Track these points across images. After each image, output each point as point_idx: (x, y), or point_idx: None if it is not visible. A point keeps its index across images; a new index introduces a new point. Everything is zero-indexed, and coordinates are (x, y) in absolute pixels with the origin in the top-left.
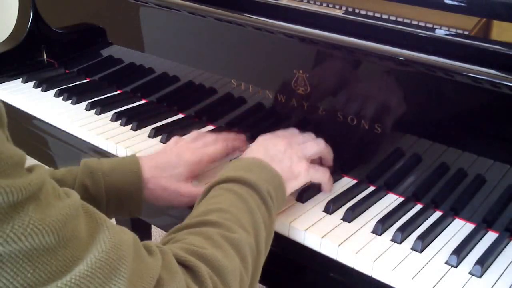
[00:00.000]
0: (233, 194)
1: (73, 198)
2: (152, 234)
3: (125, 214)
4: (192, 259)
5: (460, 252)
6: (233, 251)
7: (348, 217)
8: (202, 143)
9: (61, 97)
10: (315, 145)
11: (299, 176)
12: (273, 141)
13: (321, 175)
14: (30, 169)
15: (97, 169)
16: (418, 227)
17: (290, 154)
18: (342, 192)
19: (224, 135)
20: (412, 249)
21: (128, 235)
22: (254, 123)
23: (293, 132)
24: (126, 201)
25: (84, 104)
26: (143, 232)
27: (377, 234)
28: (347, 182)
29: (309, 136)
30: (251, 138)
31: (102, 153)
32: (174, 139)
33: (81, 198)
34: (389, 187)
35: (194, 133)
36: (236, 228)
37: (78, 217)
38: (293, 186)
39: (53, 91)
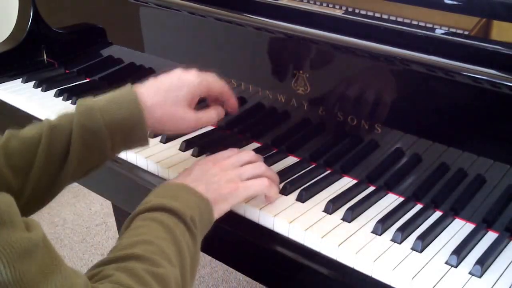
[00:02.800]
0: (157, 223)
1: (33, 233)
2: None
3: (132, 146)
4: None
5: (460, 252)
6: (159, 287)
7: (348, 217)
8: (203, 73)
9: (61, 97)
10: (252, 169)
11: (229, 196)
12: (203, 167)
13: (256, 189)
14: None
15: (94, 107)
16: (418, 227)
17: (219, 178)
18: (342, 192)
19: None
20: (412, 249)
21: (80, 279)
22: (254, 123)
23: (224, 154)
24: (130, 132)
25: None
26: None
27: (377, 234)
28: (347, 182)
29: (245, 156)
30: (251, 138)
31: None
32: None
33: (82, 138)
34: (389, 187)
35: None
36: (162, 261)
37: (32, 255)
38: (223, 206)
39: (53, 91)
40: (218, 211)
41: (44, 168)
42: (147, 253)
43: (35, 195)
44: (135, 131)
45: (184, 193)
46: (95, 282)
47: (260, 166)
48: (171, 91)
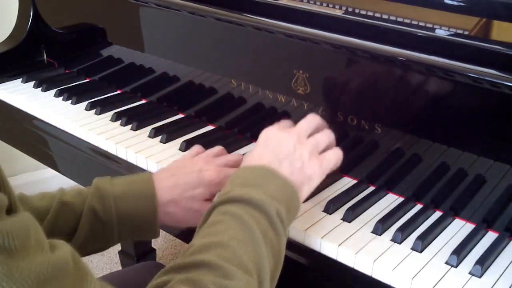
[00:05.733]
0: (236, 220)
1: (58, 254)
2: None
3: (139, 238)
4: None
5: (460, 252)
6: None
7: (348, 217)
8: (224, 161)
9: (61, 97)
10: (324, 136)
11: (313, 176)
12: (279, 138)
13: (336, 163)
14: (14, 215)
15: (108, 193)
16: (418, 227)
17: (300, 153)
18: (342, 192)
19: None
20: (412, 249)
21: None
22: (254, 123)
23: (291, 123)
24: (140, 226)
25: (84, 104)
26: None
27: (377, 234)
28: (347, 182)
29: (313, 121)
30: (251, 138)
31: (102, 153)
32: (196, 148)
33: (91, 223)
34: (389, 187)
35: (218, 148)
36: (235, 271)
37: (58, 278)
38: (307, 190)
39: (53, 91)
40: (304, 195)
41: None
42: (220, 261)
43: None
44: (145, 226)
45: (267, 180)
46: None
47: (330, 133)
48: (188, 189)
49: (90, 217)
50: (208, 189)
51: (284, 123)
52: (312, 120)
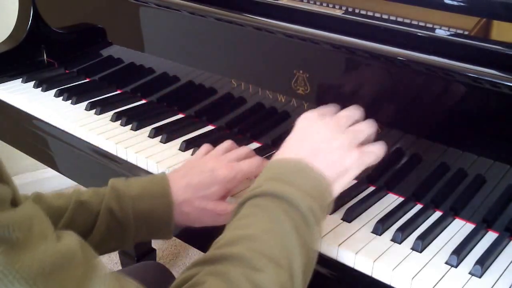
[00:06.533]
0: (267, 214)
1: (63, 243)
2: None
3: (155, 238)
4: None
5: (460, 252)
6: None
7: (348, 217)
8: (235, 156)
9: (61, 97)
10: (366, 127)
11: (350, 170)
12: (317, 127)
13: (377, 156)
14: (19, 204)
15: (125, 193)
16: (418, 227)
17: (339, 143)
18: (342, 192)
19: (251, 152)
20: (412, 249)
21: None
22: (254, 123)
23: (331, 109)
24: (156, 226)
25: (84, 104)
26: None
27: (377, 234)
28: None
29: (355, 112)
30: (251, 138)
31: (102, 153)
32: (205, 147)
33: (108, 222)
34: (389, 187)
35: (227, 143)
36: (266, 263)
37: (64, 268)
38: (342, 183)
39: (53, 91)
40: (338, 188)
41: None
42: (249, 253)
43: None
44: (162, 225)
45: (301, 175)
46: (187, 287)
47: (372, 124)
48: (201, 188)
49: (107, 217)
50: (222, 187)
51: (325, 109)
52: (354, 111)
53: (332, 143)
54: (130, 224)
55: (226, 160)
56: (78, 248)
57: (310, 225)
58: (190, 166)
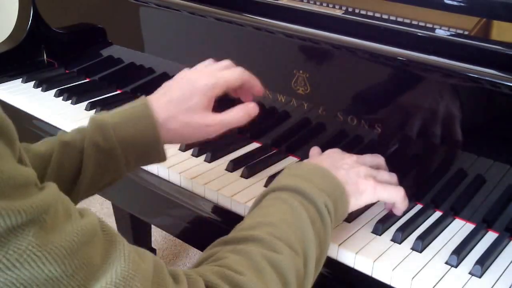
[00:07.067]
0: (286, 205)
1: (86, 220)
2: (152, 234)
3: (148, 163)
4: (226, 287)
5: (460, 252)
6: (275, 274)
7: (348, 217)
8: (217, 67)
9: (61, 97)
10: (385, 173)
11: (365, 192)
12: (340, 154)
13: (391, 194)
14: (42, 187)
15: (106, 123)
16: (418, 227)
17: (358, 170)
18: None
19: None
20: (412, 249)
21: (147, 264)
22: (254, 123)
23: (364, 157)
24: (145, 148)
25: (84, 104)
26: (143, 232)
27: (377, 234)
28: None
29: (376, 158)
30: (251, 138)
31: None
32: (184, 69)
33: (95, 156)
34: None
35: (208, 60)
36: (283, 247)
37: (89, 244)
38: (356, 202)
39: (53, 91)
40: (352, 205)
41: None
42: (268, 236)
43: None
44: (150, 147)
45: (319, 176)
46: (209, 263)
47: (394, 177)
48: (183, 100)
49: (93, 150)
50: (204, 97)
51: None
52: (376, 157)
53: (351, 168)
54: (117, 152)
55: (207, 70)
56: (97, 223)
57: (325, 220)
58: (168, 84)
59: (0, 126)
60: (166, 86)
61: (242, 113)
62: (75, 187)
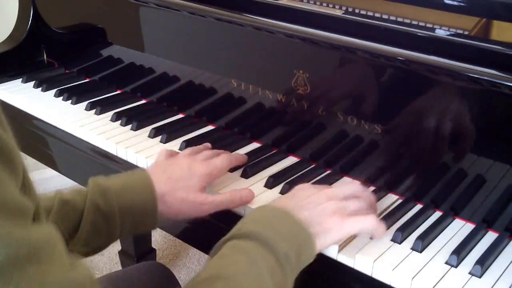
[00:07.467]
0: (243, 255)
1: (78, 272)
2: (152, 234)
3: (140, 231)
4: None
5: (460, 252)
6: None
7: None
8: (203, 156)
9: (61, 97)
10: (357, 202)
11: (331, 231)
12: (308, 192)
13: (362, 225)
14: (39, 224)
15: (109, 188)
16: (418, 227)
17: (323, 207)
18: None
19: (217, 151)
20: (412, 249)
21: None
22: (254, 123)
23: (326, 187)
24: (141, 218)
25: (84, 104)
26: (143, 233)
27: None
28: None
29: (352, 187)
30: (251, 138)
31: (102, 153)
32: (168, 151)
33: (93, 218)
34: (389, 188)
35: (187, 150)
36: None
37: None
38: (324, 242)
39: (53, 91)
40: (320, 246)
41: None
42: None
43: None
44: (146, 217)
45: (282, 221)
46: None
47: (366, 200)
48: (181, 180)
49: (93, 213)
50: (200, 181)
51: (323, 186)
52: (351, 186)
53: (319, 204)
54: (115, 218)
55: (199, 159)
56: (88, 280)
57: (285, 270)
58: (166, 163)
59: (1, 149)
60: (163, 165)
61: (235, 198)
62: (68, 247)
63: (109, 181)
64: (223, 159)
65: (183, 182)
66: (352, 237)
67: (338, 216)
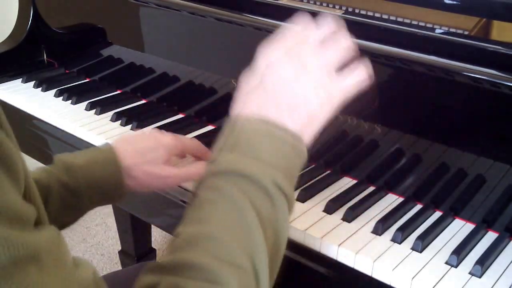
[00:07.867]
0: (226, 201)
1: (81, 271)
2: (152, 234)
3: (108, 203)
4: None
5: (460, 252)
6: None
7: (348, 217)
8: (178, 136)
9: (61, 97)
10: (340, 46)
11: (320, 113)
12: (278, 68)
13: (356, 87)
14: (40, 229)
15: (73, 164)
16: (418, 227)
17: (303, 85)
18: (342, 192)
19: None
20: (412, 249)
21: None
22: None
23: (294, 34)
24: (108, 191)
25: (84, 104)
26: (143, 232)
27: (377, 234)
28: (347, 182)
29: (324, 28)
30: None
31: None
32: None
33: (60, 195)
34: (389, 187)
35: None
36: (226, 273)
37: None
38: (314, 129)
39: (53, 91)
40: (309, 136)
41: None
42: (209, 262)
43: None
44: (113, 191)
45: (261, 138)
46: None
47: (347, 41)
48: (148, 152)
49: (59, 189)
50: (166, 152)
51: (294, 35)
52: (324, 27)
53: (296, 81)
54: (82, 193)
55: (167, 133)
56: (91, 279)
57: (276, 202)
58: (133, 137)
59: (2, 157)
60: (129, 138)
61: (195, 169)
62: None
63: (74, 157)
64: (193, 140)
65: (149, 154)
66: (352, 236)
67: (323, 91)
